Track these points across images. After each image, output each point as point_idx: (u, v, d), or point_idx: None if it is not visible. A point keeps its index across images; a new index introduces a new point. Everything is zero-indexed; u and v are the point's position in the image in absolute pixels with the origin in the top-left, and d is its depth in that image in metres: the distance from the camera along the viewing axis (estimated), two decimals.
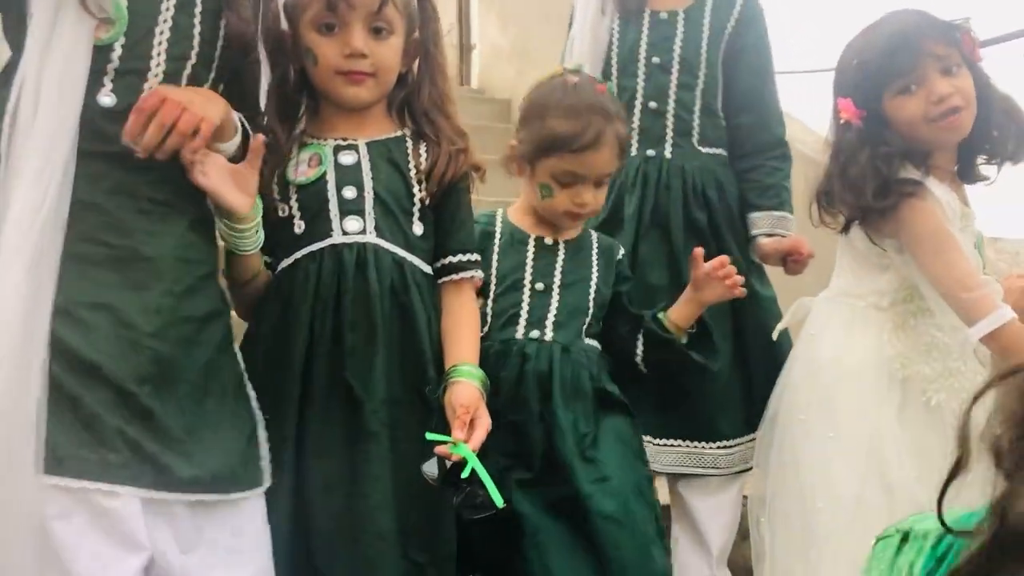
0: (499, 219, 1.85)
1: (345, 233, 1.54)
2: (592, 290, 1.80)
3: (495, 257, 1.80)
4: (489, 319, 1.75)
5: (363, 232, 1.54)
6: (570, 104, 1.72)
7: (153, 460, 1.25)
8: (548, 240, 1.82)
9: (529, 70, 4.48)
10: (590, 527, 1.59)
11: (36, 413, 1.17)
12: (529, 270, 1.79)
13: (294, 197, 1.58)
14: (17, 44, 1.28)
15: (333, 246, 1.53)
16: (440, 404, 1.52)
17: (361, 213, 1.55)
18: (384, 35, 1.55)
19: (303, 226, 1.56)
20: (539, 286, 1.78)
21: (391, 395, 1.50)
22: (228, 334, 1.44)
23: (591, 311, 1.79)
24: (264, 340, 1.55)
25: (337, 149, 1.59)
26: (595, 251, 1.85)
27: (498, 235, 1.83)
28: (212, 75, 1.41)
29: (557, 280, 1.79)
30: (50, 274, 1.22)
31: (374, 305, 1.51)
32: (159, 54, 1.33)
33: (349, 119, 1.61)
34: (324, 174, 1.57)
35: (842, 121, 1.82)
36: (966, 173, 1.89)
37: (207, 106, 1.34)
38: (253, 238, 1.51)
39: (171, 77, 1.34)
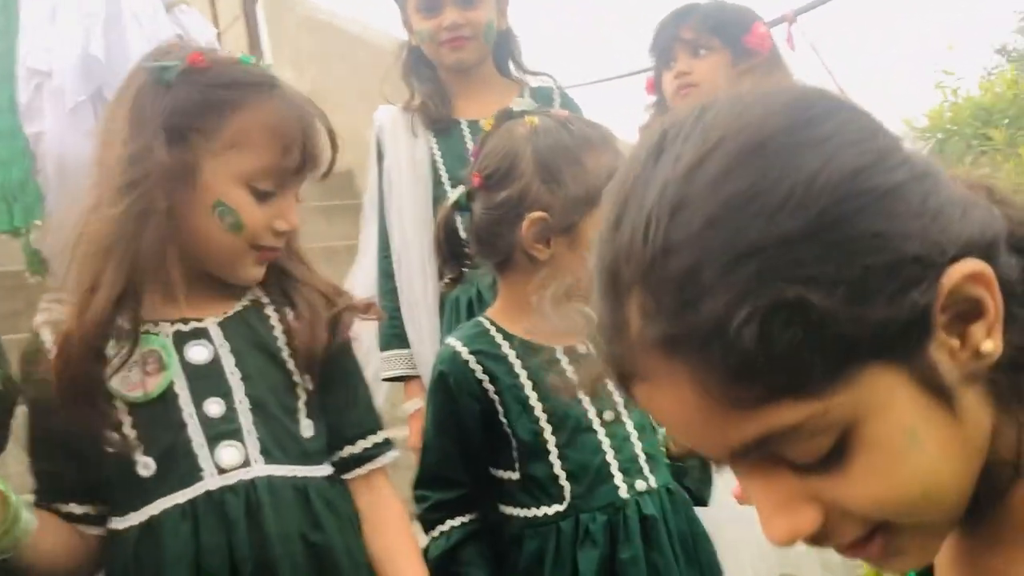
0: (496, 333, 1.32)
1: (221, 471, 1.11)
2: None
3: (530, 392, 1.29)
4: (565, 483, 1.28)
5: (246, 463, 1.12)
6: (601, 135, 1.32)
7: None
8: (581, 347, 1.27)
9: (335, 112, 4.27)
10: None
11: None
12: (586, 397, 1.30)
13: (128, 422, 1.11)
14: None
15: (209, 494, 1.10)
16: None
17: (237, 435, 1.12)
18: None
19: (153, 466, 1.11)
20: (607, 415, 1.31)
21: None
22: None
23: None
24: None
25: (180, 339, 1.14)
26: None
27: (515, 359, 1.30)
28: None
29: (618, 398, 1.31)
30: None
31: (282, 574, 1.10)
32: None
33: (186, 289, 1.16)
34: (172, 384, 1.12)
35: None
36: None
37: None
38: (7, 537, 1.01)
39: None
